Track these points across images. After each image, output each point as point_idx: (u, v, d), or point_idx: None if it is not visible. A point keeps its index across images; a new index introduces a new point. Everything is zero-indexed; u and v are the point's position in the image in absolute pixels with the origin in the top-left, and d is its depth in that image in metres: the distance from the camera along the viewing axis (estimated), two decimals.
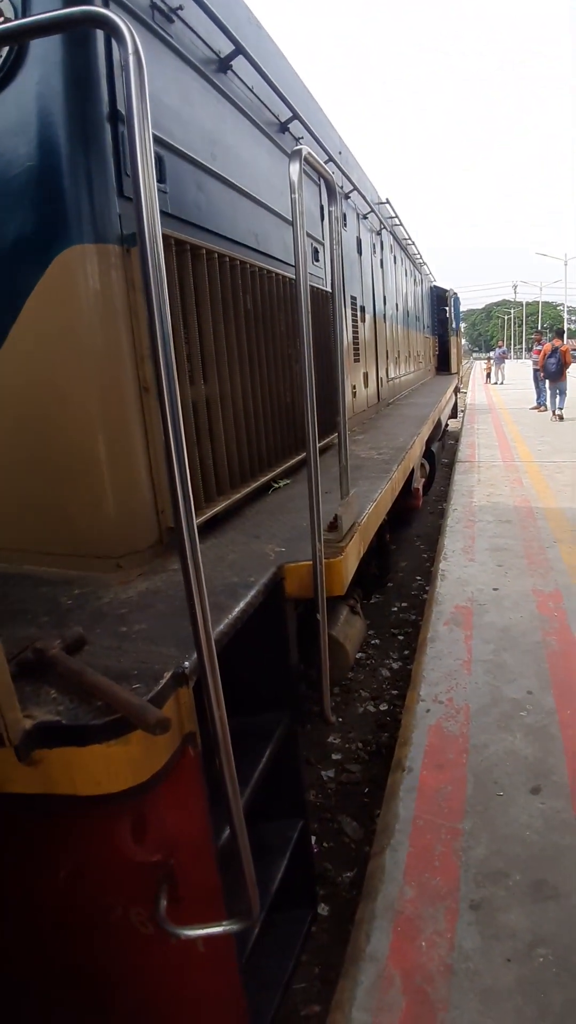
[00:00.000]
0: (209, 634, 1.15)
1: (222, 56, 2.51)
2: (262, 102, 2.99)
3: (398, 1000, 1.69)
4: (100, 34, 1.66)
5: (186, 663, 1.26)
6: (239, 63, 2.61)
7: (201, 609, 1.13)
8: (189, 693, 1.26)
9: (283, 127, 3.29)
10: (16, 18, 1.65)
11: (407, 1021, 1.64)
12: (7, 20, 1.67)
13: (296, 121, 3.36)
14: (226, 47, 2.51)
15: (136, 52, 1.00)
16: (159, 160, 2.01)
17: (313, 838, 2.45)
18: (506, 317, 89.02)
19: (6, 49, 1.66)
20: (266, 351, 2.77)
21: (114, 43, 1.33)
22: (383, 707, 3.56)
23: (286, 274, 3.01)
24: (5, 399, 1.82)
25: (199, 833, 1.33)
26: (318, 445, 1.86)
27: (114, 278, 1.73)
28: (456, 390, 13.39)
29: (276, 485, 2.80)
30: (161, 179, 2.02)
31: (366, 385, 5.69)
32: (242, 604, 1.56)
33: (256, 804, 1.62)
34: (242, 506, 2.47)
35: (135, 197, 1.03)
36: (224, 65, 2.54)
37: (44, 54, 1.65)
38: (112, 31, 1.02)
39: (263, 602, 1.68)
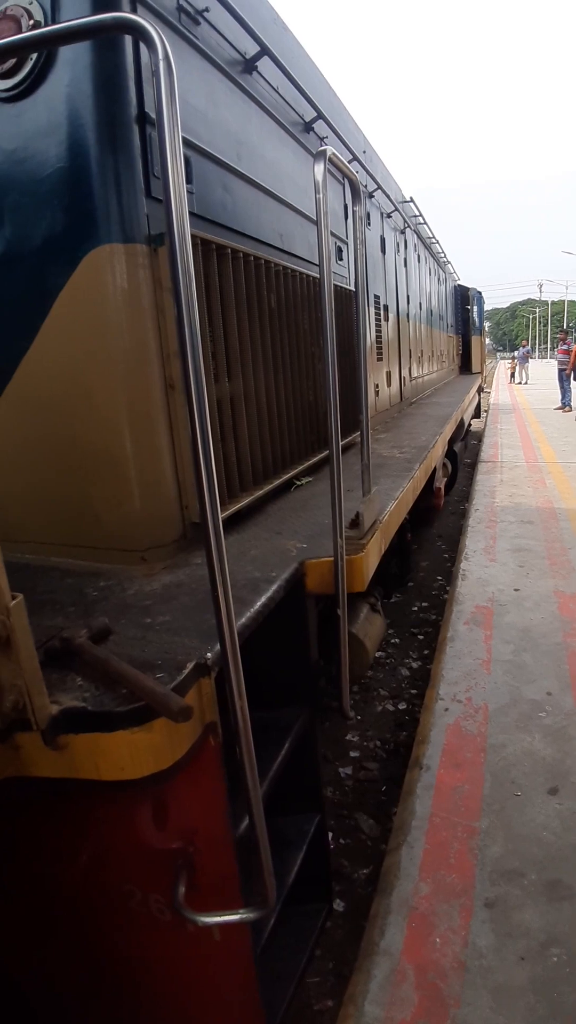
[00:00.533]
0: (232, 626, 1.18)
1: (247, 57, 2.53)
2: (287, 102, 3.01)
3: (411, 995, 1.70)
4: (128, 37, 1.69)
5: (208, 654, 1.28)
6: (264, 64, 2.64)
7: (224, 602, 1.15)
8: (211, 683, 1.29)
9: (308, 127, 3.30)
10: (46, 24, 1.69)
11: (419, 1016, 1.65)
12: (36, 25, 1.70)
13: (320, 121, 3.37)
14: (251, 48, 2.54)
15: (167, 58, 1.02)
16: (186, 161, 2.04)
17: (330, 834, 2.47)
18: (531, 316, 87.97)
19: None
20: (290, 350, 2.79)
21: (142, 46, 1.35)
22: (402, 706, 3.56)
23: (310, 273, 3.02)
24: (35, 395, 1.86)
25: (218, 822, 1.36)
26: (340, 443, 1.88)
27: (141, 277, 1.76)
28: (479, 390, 13.27)
29: (298, 482, 2.82)
30: (188, 180, 2.05)
31: (389, 384, 5.68)
32: (264, 598, 1.59)
33: (273, 798, 1.64)
34: (265, 503, 2.50)
35: (164, 199, 1.05)
36: (249, 66, 2.57)
37: (74, 57, 1.68)
38: (143, 37, 1.03)
39: (284, 597, 1.70)
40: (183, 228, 1.05)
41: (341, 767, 3.05)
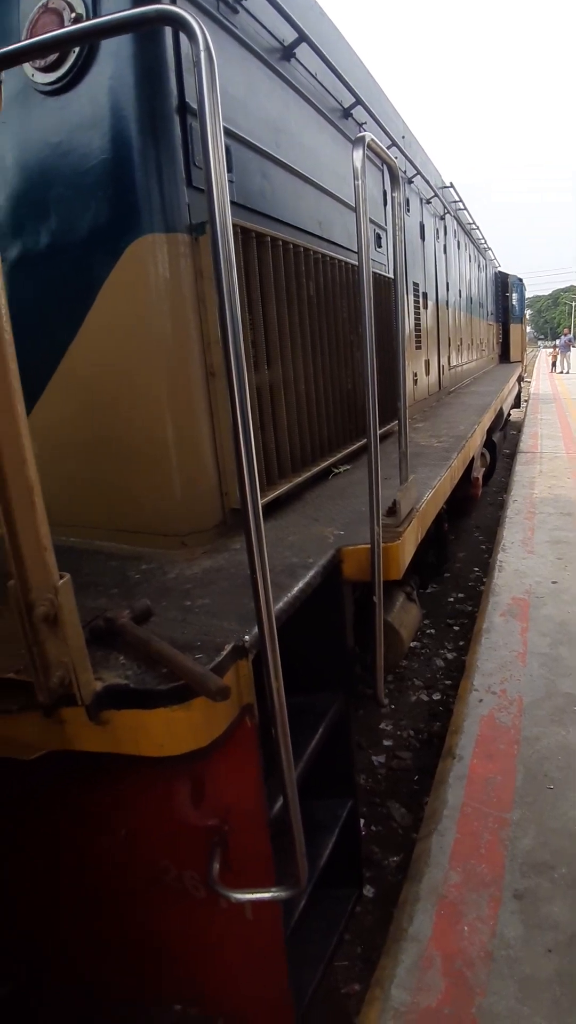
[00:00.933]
0: (270, 609, 1.19)
1: (286, 44, 2.53)
2: (325, 89, 2.99)
3: (437, 981, 1.70)
4: (168, 28, 1.70)
5: (246, 637, 1.31)
6: (302, 50, 2.62)
7: (263, 586, 1.17)
8: (248, 665, 1.31)
9: (346, 113, 3.28)
10: (88, 17, 1.71)
11: (445, 1003, 1.65)
12: (79, 18, 1.73)
13: (359, 107, 3.34)
14: (290, 35, 2.53)
15: (207, 49, 1.02)
16: (226, 150, 2.05)
17: (362, 820, 2.49)
18: (573, 303, 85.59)
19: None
20: (328, 337, 2.78)
21: (182, 36, 1.36)
22: (436, 697, 3.55)
23: (349, 260, 3.01)
24: (80, 384, 1.90)
25: (253, 801, 1.38)
26: (378, 431, 1.88)
27: (183, 266, 1.78)
28: (519, 379, 13.00)
29: (336, 470, 2.82)
30: (228, 168, 2.06)
31: (427, 373, 5.62)
32: (301, 584, 1.60)
33: (307, 781, 1.66)
34: (303, 490, 2.51)
35: (207, 189, 1.06)
36: (288, 53, 2.56)
37: (115, 49, 1.70)
38: (184, 29, 1.04)
39: (321, 583, 1.71)
40: (224, 217, 1.06)
41: (374, 755, 3.06)
